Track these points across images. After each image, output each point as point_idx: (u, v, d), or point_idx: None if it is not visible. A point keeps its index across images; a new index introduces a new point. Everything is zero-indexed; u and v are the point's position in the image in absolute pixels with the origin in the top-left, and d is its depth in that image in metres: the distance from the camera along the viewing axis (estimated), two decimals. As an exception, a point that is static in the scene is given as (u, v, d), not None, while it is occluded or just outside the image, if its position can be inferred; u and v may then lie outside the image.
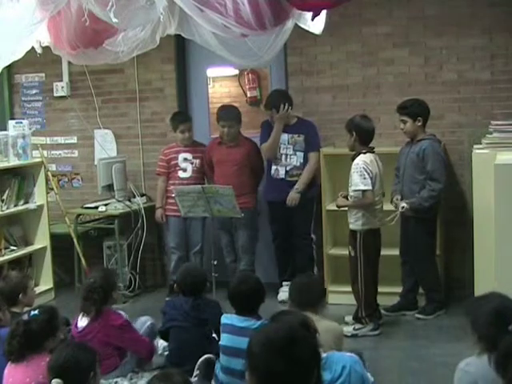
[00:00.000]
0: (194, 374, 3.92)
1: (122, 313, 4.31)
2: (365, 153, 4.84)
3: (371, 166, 4.80)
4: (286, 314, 3.00)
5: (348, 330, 4.85)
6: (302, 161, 5.65)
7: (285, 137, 5.68)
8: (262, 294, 3.94)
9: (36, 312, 3.32)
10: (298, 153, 5.66)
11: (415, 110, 5.07)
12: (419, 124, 5.07)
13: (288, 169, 5.68)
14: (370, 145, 4.94)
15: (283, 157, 5.69)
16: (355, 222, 4.89)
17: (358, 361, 3.09)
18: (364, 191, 4.77)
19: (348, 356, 3.10)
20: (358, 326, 4.94)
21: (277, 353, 2.02)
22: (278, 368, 2.00)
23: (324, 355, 2.86)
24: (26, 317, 3.34)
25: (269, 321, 2.97)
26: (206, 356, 4.00)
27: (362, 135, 4.87)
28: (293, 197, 5.60)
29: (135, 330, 4.31)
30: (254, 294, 3.91)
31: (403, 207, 4.97)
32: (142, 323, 4.49)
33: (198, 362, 3.97)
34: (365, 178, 4.74)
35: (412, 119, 5.06)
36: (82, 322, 4.12)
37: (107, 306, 4.19)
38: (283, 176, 5.69)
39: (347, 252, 5.69)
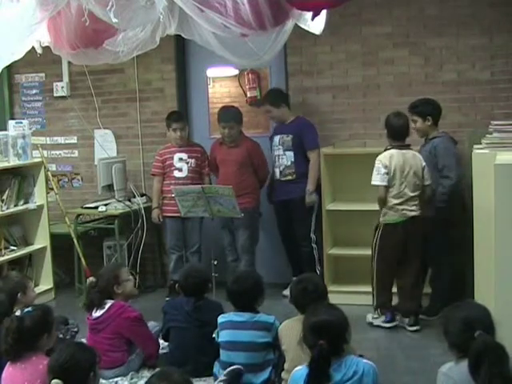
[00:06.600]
0: (220, 379, 3.80)
1: None
2: (389, 149, 4.89)
3: (389, 161, 4.82)
4: None
5: (368, 316, 5.06)
6: (292, 160, 5.68)
7: (276, 138, 5.77)
8: (259, 291, 3.95)
9: (29, 309, 3.36)
10: (287, 152, 5.70)
11: (424, 109, 5.10)
12: (429, 123, 5.10)
13: (281, 169, 5.75)
14: (405, 142, 4.95)
15: (276, 158, 5.77)
16: (379, 215, 4.96)
17: (373, 368, 3.07)
18: (377, 186, 4.84)
19: (364, 362, 3.08)
20: (375, 315, 5.03)
21: None
22: None
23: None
24: (18, 313, 3.35)
25: None
26: (235, 366, 3.82)
27: (389, 130, 4.96)
28: (308, 200, 5.62)
29: (147, 326, 4.38)
30: (251, 291, 3.93)
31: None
32: (150, 328, 4.52)
33: (227, 370, 3.81)
34: (378, 174, 4.82)
35: (422, 118, 5.10)
36: (97, 313, 4.24)
37: (115, 300, 4.28)
38: (278, 177, 5.77)
39: (347, 252, 5.71)
